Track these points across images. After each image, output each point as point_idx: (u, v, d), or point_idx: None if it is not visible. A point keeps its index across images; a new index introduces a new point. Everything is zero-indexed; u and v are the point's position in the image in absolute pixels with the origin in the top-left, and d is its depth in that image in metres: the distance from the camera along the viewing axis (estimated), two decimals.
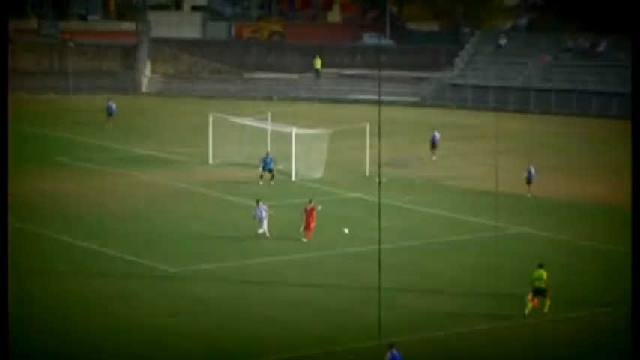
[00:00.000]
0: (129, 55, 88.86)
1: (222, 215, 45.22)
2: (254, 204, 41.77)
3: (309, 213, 41.08)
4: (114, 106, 70.16)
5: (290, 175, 52.28)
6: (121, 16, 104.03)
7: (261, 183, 50.64)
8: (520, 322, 31.91)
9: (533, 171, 49.76)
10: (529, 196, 49.10)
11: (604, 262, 38.59)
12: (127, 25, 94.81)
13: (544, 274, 32.48)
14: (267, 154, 51.75)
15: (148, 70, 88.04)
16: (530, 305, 32.25)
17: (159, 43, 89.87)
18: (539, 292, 32.30)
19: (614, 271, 36.87)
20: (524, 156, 55.41)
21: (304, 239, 40.72)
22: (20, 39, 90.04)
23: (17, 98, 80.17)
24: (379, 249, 29.65)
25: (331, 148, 54.48)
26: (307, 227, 40.96)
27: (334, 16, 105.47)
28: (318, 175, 52.50)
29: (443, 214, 45.73)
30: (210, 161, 55.98)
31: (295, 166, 52.15)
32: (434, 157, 58.40)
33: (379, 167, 35.91)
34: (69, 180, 51.18)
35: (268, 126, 56.60)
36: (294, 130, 53.13)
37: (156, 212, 45.45)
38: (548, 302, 32.44)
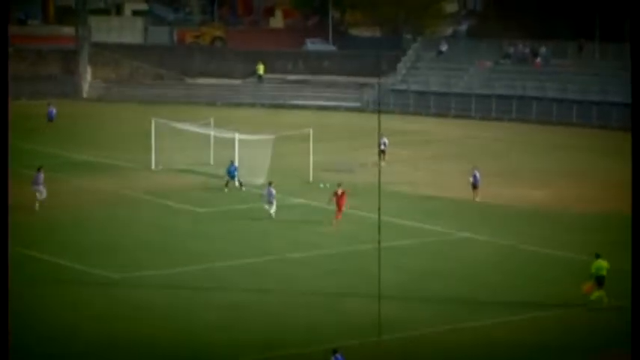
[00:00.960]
0: (69, 60, 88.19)
1: (166, 221, 44.95)
2: (266, 185, 45.96)
3: (340, 197, 44.08)
4: (54, 111, 69.49)
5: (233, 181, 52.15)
6: (61, 20, 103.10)
7: (226, 190, 50.44)
8: (467, 326, 32.08)
9: (478, 175, 50.07)
10: (477, 199, 49.39)
11: (545, 266, 38.94)
12: (67, 30, 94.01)
13: (605, 263, 33.40)
14: (232, 163, 51.40)
15: (88, 75, 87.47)
16: (596, 293, 33.13)
17: (100, 47, 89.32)
18: (601, 281, 33.18)
19: (556, 275, 37.25)
20: (467, 161, 55.75)
21: (334, 221, 44.01)
22: None
23: None
24: (379, 248, 29.70)
25: (274, 153, 54.42)
26: (339, 210, 44.17)
27: (276, 21, 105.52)
28: (261, 180, 52.40)
29: (386, 220, 45.83)
30: (153, 167, 55.61)
31: (238, 172, 52.02)
32: (383, 163, 58.18)
33: (379, 177, 35.86)
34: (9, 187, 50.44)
35: (211, 132, 56.33)
36: (237, 136, 53.00)
37: (99, 219, 45.06)
38: (601, 293, 33.28)
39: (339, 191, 44.69)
